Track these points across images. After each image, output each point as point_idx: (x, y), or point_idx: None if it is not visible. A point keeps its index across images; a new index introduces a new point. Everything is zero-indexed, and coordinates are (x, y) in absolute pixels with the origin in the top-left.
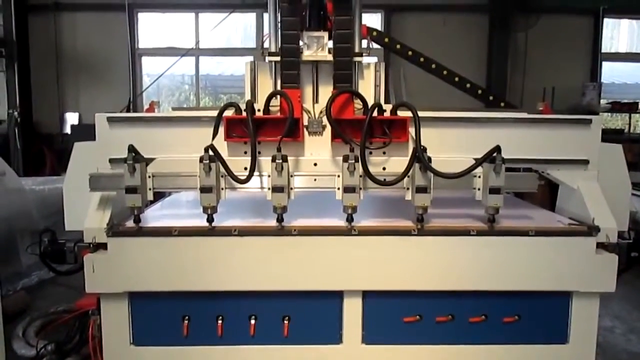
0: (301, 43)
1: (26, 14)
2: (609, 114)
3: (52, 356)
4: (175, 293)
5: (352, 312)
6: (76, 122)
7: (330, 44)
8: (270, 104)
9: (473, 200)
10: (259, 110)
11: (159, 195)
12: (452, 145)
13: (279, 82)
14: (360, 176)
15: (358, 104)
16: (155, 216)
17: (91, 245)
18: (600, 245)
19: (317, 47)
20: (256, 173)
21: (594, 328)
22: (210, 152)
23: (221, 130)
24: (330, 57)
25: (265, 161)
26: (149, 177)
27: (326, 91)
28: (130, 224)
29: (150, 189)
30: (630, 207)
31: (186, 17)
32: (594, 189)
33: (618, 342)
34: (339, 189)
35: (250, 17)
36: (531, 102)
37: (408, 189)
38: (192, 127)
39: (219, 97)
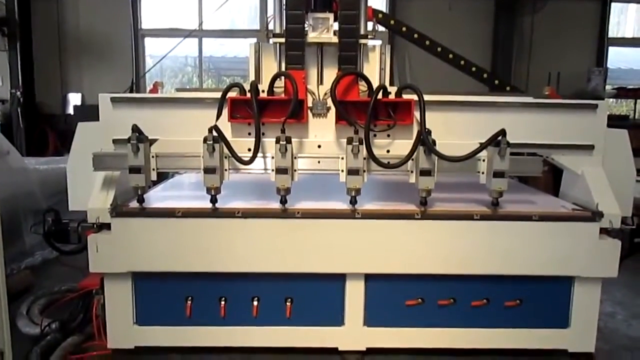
0: (306, 25)
1: None
2: (615, 99)
3: (56, 334)
4: (179, 274)
5: (355, 295)
6: (79, 103)
7: (336, 26)
8: (275, 86)
9: (477, 185)
10: (263, 91)
11: (162, 177)
12: (457, 130)
13: (283, 63)
14: (364, 158)
15: (363, 86)
16: (159, 197)
17: (95, 226)
18: (603, 231)
19: (322, 29)
20: (260, 154)
21: (595, 313)
22: (214, 133)
23: (225, 111)
24: (335, 39)
25: (269, 142)
26: (153, 157)
27: (331, 74)
28: (133, 204)
29: (153, 169)
30: (634, 193)
31: None
32: (599, 175)
33: (619, 327)
34: (342, 171)
35: None
36: (536, 87)
37: (412, 172)
38: (196, 108)
39: (222, 79)
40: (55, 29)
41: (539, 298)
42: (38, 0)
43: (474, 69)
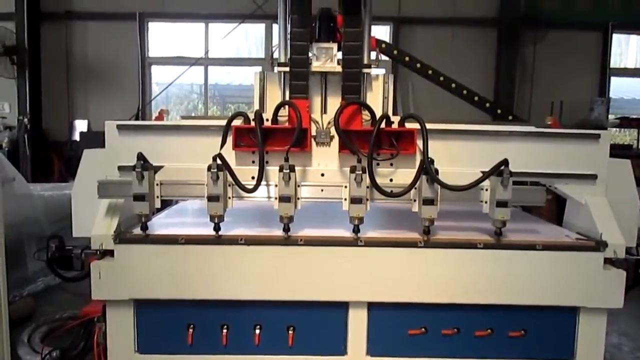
0: (310, 54)
1: (38, 22)
2: (617, 129)
3: None
4: (181, 301)
5: (357, 324)
6: (85, 130)
7: (340, 55)
8: (279, 114)
9: (480, 213)
10: (267, 120)
11: (166, 203)
12: (460, 158)
13: (287, 92)
14: (367, 187)
15: (366, 115)
16: (162, 224)
17: (98, 252)
18: (607, 261)
19: (326, 59)
20: (263, 182)
21: (601, 344)
22: (218, 161)
23: (229, 139)
24: (339, 69)
25: (272, 171)
26: (157, 185)
27: (335, 102)
28: (137, 231)
29: (158, 197)
30: (638, 223)
31: (196, 26)
32: (602, 204)
33: (625, 359)
34: (345, 199)
35: (259, 28)
36: (539, 117)
37: (415, 200)
38: (201, 136)
39: (227, 106)
40: (63, 56)
41: (543, 328)
42: (47, 28)
43: (476, 98)
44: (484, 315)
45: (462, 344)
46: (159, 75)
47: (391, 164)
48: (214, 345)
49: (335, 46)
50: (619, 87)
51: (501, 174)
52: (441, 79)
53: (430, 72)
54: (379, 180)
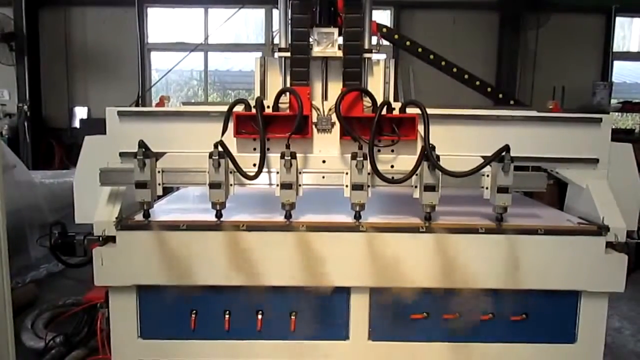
0: (311, 39)
1: (37, 8)
2: (620, 113)
3: (60, 348)
4: (183, 287)
5: (359, 309)
6: (85, 116)
7: (340, 40)
8: (280, 101)
9: (481, 198)
10: (268, 107)
11: (167, 190)
12: (461, 143)
13: (288, 78)
14: (369, 174)
15: (367, 101)
16: (164, 210)
17: (100, 238)
18: (609, 245)
19: (327, 43)
20: (265, 169)
21: (603, 328)
22: (220, 148)
23: (230, 126)
24: (340, 54)
25: (274, 158)
26: (159, 172)
27: (335, 88)
28: (139, 217)
29: (159, 184)
30: (639, 207)
31: (195, 12)
32: (604, 188)
33: (626, 343)
34: (347, 186)
35: (259, 13)
36: (541, 101)
37: (416, 187)
38: (202, 122)
39: (227, 92)
40: (62, 43)
41: (545, 313)
42: (46, 15)
43: (478, 82)
44: (485, 300)
45: (464, 328)
46: (159, 62)
47: (392, 151)
48: (216, 330)
49: (336, 31)
50: (621, 71)
51: (502, 159)
52: (442, 63)
53: (431, 56)
54: (380, 167)
